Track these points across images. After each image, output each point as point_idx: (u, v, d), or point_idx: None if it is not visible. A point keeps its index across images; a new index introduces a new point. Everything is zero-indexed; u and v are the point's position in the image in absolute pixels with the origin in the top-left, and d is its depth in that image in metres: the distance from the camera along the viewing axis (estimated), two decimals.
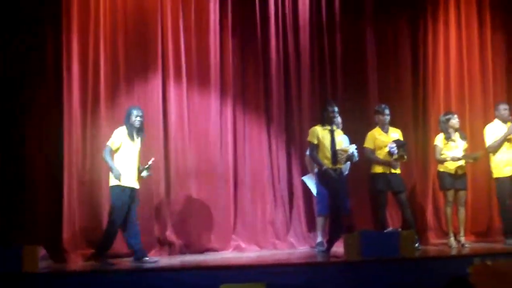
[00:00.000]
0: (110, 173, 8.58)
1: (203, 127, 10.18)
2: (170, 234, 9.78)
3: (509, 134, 9.56)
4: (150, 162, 8.77)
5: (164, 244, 9.74)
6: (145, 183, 9.27)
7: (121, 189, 8.54)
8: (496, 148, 9.63)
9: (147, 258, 8.70)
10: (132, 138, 8.68)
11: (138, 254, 8.69)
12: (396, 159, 9.29)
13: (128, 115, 8.74)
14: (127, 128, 8.68)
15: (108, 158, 8.58)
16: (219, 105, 10.26)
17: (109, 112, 9.72)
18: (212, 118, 10.21)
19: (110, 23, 9.88)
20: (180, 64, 10.10)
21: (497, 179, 9.71)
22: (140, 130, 8.79)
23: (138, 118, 8.71)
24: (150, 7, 10.02)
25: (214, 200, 10.09)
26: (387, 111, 9.50)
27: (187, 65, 10.15)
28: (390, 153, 9.29)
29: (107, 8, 9.87)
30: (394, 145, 9.28)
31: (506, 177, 9.60)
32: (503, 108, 9.76)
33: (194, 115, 10.16)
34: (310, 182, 9.77)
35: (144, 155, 8.91)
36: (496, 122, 9.78)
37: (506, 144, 9.61)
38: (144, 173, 8.76)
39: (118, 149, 8.64)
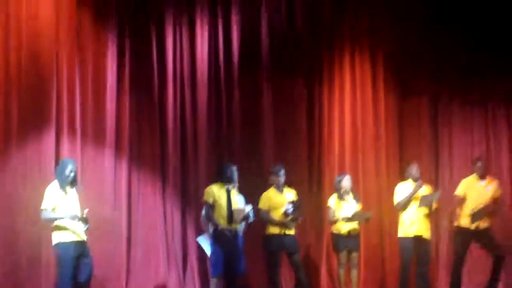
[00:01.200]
0: (53, 232, 8.16)
1: (97, 185, 9.96)
2: None
3: (415, 192, 9.64)
4: (84, 214, 8.23)
5: None
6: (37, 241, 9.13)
7: (66, 245, 8.08)
8: (404, 205, 9.69)
9: None
10: (65, 191, 8.23)
11: None
12: (291, 220, 9.34)
13: (63, 168, 8.28)
14: (59, 182, 8.23)
15: (52, 216, 8.08)
16: (113, 163, 10.11)
17: (0, 167, 9.48)
18: (106, 176, 10.05)
19: (3, 76, 9.60)
20: (74, 121, 9.92)
21: (401, 238, 9.77)
22: (73, 183, 8.36)
23: (73, 174, 8.31)
24: (45, 64, 9.78)
25: (107, 259, 9.83)
26: (281, 172, 9.51)
27: (82, 123, 9.98)
28: (285, 214, 9.32)
29: (1, 61, 9.61)
30: (290, 205, 9.32)
31: (410, 237, 9.64)
32: (412, 168, 9.91)
33: (88, 172, 9.94)
34: (205, 243, 9.68)
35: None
36: (409, 181, 9.87)
37: (414, 203, 9.66)
38: (82, 226, 8.25)
39: (54, 208, 8.16)
